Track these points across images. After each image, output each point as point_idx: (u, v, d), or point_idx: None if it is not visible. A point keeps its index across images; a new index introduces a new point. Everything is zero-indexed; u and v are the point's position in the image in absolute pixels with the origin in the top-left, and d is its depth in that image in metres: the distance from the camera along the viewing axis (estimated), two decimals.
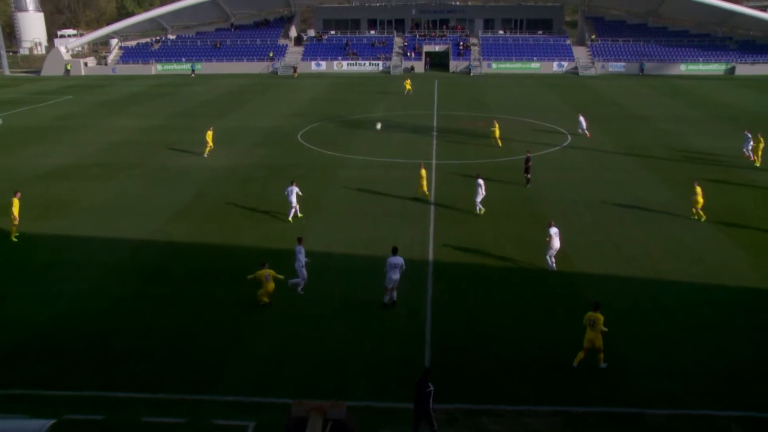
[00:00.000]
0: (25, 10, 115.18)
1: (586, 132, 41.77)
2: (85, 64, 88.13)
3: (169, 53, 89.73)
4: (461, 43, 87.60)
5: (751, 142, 35.51)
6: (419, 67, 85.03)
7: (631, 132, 43.45)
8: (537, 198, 28.33)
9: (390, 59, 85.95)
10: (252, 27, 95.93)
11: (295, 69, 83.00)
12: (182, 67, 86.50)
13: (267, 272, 18.45)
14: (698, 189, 25.67)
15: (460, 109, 52.62)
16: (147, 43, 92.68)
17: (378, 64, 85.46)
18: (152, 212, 27.22)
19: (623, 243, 23.31)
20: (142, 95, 64.96)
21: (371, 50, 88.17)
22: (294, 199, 25.97)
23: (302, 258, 19.43)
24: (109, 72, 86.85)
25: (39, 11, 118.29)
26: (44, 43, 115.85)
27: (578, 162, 35.51)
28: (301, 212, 26.42)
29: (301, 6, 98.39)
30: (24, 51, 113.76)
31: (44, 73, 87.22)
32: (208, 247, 23.34)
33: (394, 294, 18.52)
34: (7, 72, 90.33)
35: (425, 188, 28.15)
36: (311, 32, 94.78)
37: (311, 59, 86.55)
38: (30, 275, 21.12)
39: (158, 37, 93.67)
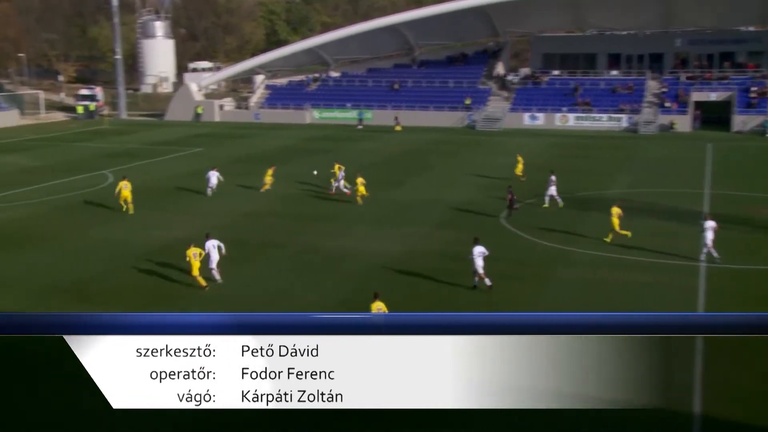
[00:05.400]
0: (153, 36, 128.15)
1: None
2: (221, 107, 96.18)
3: (329, 95, 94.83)
4: (754, 88, 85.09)
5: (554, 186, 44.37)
6: (683, 123, 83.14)
7: None
8: None
9: (639, 112, 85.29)
10: (443, 63, 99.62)
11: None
12: (346, 115, 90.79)
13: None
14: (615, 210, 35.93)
15: (749, 188, 50.41)
16: (302, 81, 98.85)
17: (620, 119, 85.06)
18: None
19: None
20: (290, 152, 69.00)
21: (611, 98, 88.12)
22: None
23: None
24: (251, 118, 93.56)
25: (169, 38, 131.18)
26: (172, 78, 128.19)
27: None
28: None
29: (513, 35, 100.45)
30: (146, 88, 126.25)
31: (169, 117, 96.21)
32: None
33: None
34: (123, 115, 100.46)
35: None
36: (525, 71, 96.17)
37: (524, 110, 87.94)
38: None
39: (317, 74, 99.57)
